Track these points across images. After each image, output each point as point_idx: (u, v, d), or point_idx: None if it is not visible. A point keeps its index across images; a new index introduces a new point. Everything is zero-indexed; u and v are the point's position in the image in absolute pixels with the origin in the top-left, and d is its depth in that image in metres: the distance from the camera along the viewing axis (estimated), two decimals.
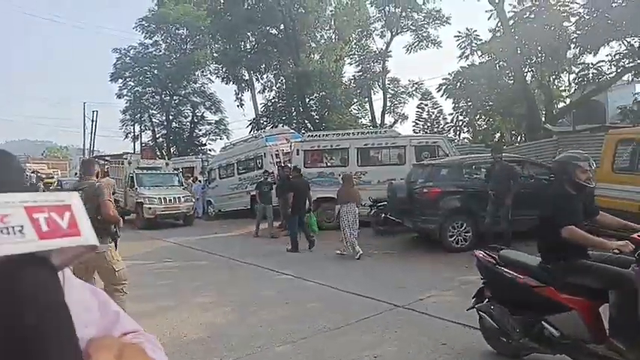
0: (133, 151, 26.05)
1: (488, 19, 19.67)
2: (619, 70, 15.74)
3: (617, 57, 15.60)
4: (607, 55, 16.47)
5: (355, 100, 28.40)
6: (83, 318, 0.50)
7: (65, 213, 0.35)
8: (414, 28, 27.43)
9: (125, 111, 34.25)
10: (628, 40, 15.02)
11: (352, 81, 28.24)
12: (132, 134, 33.88)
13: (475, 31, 20.57)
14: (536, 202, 8.11)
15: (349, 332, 4.62)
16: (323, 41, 29.72)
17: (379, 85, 27.49)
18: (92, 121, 40.77)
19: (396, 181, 10.02)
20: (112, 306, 0.65)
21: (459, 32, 20.78)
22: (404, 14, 27.09)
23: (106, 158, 29.44)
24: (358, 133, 13.44)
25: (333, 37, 29.69)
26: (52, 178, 34.32)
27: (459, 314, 4.91)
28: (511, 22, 18.29)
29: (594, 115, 19.67)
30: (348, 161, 12.21)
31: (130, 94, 33.64)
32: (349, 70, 38.39)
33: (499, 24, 18.86)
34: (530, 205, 8.39)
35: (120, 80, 33.21)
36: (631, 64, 15.43)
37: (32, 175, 32.47)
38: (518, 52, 16.96)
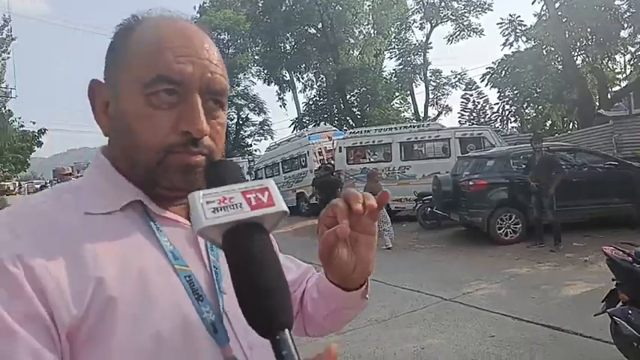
0: None
1: (533, 2, 18.94)
2: None
3: None
4: None
5: (397, 94, 28.15)
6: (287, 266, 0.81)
7: (265, 192, 0.52)
8: (454, 17, 26.85)
9: None
10: None
11: (393, 75, 27.99)
12: None
13: (519, 16, 19.75)
14: (590, 192, 7.96)
15: (397, 325, 4.71)
16: (362, 37, 29.65)
17: (421, 78, 27.13)
18: None
19: (441, 175, 9.92)
20: (299, 262, 0.92)
21: (502, 19, 20.04)
22: (443, 4, 26.58)
23: None
24: (400, 127, 13.38)
25: (372, 31, 29.55)
26: None
27: (507, 306, 4.89)
28: (557, 4, 17.53)
29: None
30: (391, 156, 12.20)
31: None
32: (390, 65, 38.16)
33: (544, 7, 18.12)
34: (582, 194, 8.14)
35: None
36: None
37: None
38: (567, 35, 16.25)
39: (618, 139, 12.05)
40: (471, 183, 8.58)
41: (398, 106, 29.02)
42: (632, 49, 16.43)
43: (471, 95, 28.62)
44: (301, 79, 29.56)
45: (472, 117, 28.18)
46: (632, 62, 16.48)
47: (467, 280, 6.14)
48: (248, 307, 0.49)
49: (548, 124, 21.72)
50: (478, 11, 26.44)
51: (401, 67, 27.69)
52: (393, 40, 29.57)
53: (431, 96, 27.20)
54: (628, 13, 14.71)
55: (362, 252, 0.69)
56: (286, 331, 0.47)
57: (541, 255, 7.24)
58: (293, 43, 28.22)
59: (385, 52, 29.49)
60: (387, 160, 12.26)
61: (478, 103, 28.08)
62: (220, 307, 0.63)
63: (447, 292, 5.60)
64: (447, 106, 27.82)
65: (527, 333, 4.20)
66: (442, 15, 26.89)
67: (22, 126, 19.24)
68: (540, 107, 20.85)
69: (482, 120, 25.95)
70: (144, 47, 0.64)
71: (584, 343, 3.88)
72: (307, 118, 27.53)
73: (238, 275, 0.49)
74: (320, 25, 26.74)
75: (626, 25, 15.13)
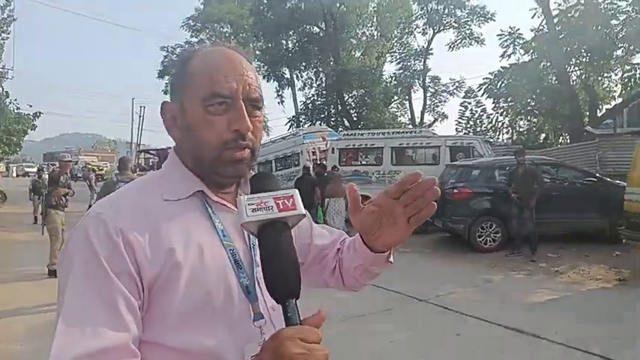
0: None
1: (532, 17, 19.29)
2: None
3: None
4: None
5: (395, 99, 28.39)
6: (321, 233, 1.09)
7: (290, 199, 0.73)
8: (456, 25, 27.09)
9: None
10: None
11: (393, 79, 28.20)
12: None
13: (518, 29, 20.07)
14: (568, 206, 8.29)
15: (371, 320, 5.02)
16: (365, 38, 29.83)
17: (419, 84, 27.38)
18: (140, 116, 42.75)
19: None
20: (332, 229, 1.15)
21: (502, 30, 20.36)
22: (446, 11, 26.83)
23: (151, 152, 30.87)
24: (393, 132, 13.71)
25: (375, 33, 29.74)
26: (102, 170, 36.42)
27: (477, 309, 5.21)
28: (556, 20, 17.89)
29: None
30: (382, 160, 12.49)
31: None
32: (389, 69, 38.41)
33: (544, 22, 18.47)
34: (561, 208, 8.48)
35: (167, 77, 34.64)
36: None
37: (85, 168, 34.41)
38: (564, 51, 16.59)
39: (602, 157, 12.43)
40: (455, 191, 8.89)
41: (395, 110, 29.27)
42: (623, 70, 16.81)
43: (469, 103, 28.94)
44: (301, 78, 29.75)
45: (469, 125, 28.50)
46: (622, 82, 16.84)
47: (443, 283, 6.46)
48: (268, 281, 0.71)
49: (541, 138, 22.06)
50: (481, 21, 26.74)
51: (401, 71, 27.93)
52: (395, 43, 29.81)
53: (428, 102, 27.49)
54: (622, 34, 15.06)
55: (397, 230, 0.88)
56: (293, 300, 0.70)
57: (516, 264, 7.59)
58: (295, 41, 28.40)
59: (387, 55, 29.73)
60: (378, 164, 12.56)
61: (476, 112, 28.40)
62: (254, 275, 0.84)
63: (422, 293, 5.91)
64: (444, 113, 28.06)
65: (491, 333, 4.53)
66: (445, 22, 27.16)
67: (19, 108, 19.26)
68: (533, 120, 21.22)
69: (478, 129, 26.29)
70: (200, 71, 0.86)
71: (540, 344, 4.21)
72: (304, 117, 27.73)
73: (265, 257, 0.71)
74: (323, 25, 26.94)
75: (620, 45, 15.48)
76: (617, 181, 8.64)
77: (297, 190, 0.72)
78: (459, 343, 4.36)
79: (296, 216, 0.72)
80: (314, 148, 14.74)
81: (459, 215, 8.75)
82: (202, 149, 0.85)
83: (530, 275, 6.87)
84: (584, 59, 16.68)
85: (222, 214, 0.87)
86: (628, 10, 15.42)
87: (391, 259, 0.98)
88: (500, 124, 21.02)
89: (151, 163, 28.22)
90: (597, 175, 9.58)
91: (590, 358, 3.86)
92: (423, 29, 28.12)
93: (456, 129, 28.08)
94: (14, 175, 48.54)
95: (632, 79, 16.13)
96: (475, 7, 26.24)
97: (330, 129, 18.18)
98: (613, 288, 6.13)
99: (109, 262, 0.73)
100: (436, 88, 27.77)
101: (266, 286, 0.71)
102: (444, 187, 9.21)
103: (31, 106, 20.73)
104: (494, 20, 26.17)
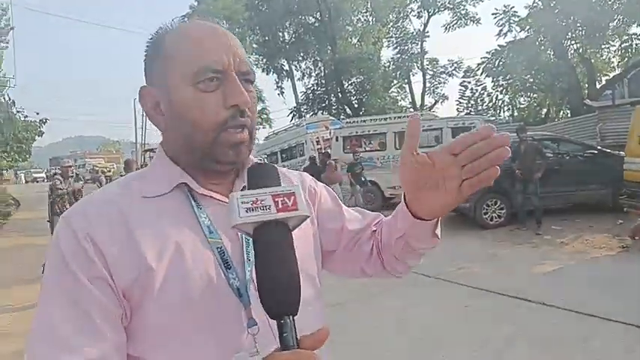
0: None
1: None
2: None
3: None
4: None
5: (394, 83, 28.49)
6: (337, 212, 0.96)
7: (291, 197, 0.60)
8: (451, 6, 27.06)
9: None
10: None
11: (391, 63, 28.27)
12: None
13: (512, 7, 20.09)
14: (570, 178, 8.47)
15: (383, 297, 5.27)
16: (360, 24, 29.84)
17: (418, 67, 27.45)
18: (142, 116, 42.93)
19: None
20: (367, 212, 1.03)
21: (497, 9, 20.38)
22: None
23: (155, 150, 31.04)
24: (395, 117, 13.89)
25: (370, 19, 29.73)
26: (110, 171, 36.81)
27: (484, 282, 5.45)
28: None
29: None
30: (386, 145, 12.70)
31: None
32: (387, 54, 38.32)
33: None
34: (563, 181, 8.67)
35: None
36: None
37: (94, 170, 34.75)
38: (560, 25, 16.63)
39: (602, 128, 12.57)
40: None
41: (395, 94, 29.38)
42: (621, 40, 16.85)
43: (469, 83, 28.92)
44: (299, 68, 29.86)
45: (470, 105, 28.52)
46: (619, 53, 16.89)
47: (452, 259, 6.67)
48: (261, 294, 0.59)
49: (543, 113, 22.13)
50: (475, 0, 26.69)
51: (398, 55, 27.98)
52: (391, 28, 29.80)
53: (428, 85, 27.59)
54: (617, 5, 15.07)
55: (445, 195, 0.73)
56: (290, 317, 0.57)
57: (522, 237, 7.82)
58: (291, 33, 28.46)
59: (383, 40, 29.75)
60: (382, 149, 12.77)
61: (476, 90, 28.39)
62: (247, 274, 0.74)
63: (431, 270, 6.14)
64: (444, 94, 28.15)
65: (498, 303, 4.77)
66: (439, 4, 27.12)
67: (27, 116, 19.59)
68: (534, 96, 21.28)
69: (479, 108, 26.34)
70: (184, 46, 0.75)
71: (546, 310, 4.45)
72: (305, 107, 27.90)
73: (260, 265, 0.59)
74: (318, 15, 26.97)
75: (615, 17, 15.50)
76: (617, 152, 8.80)
77: (299, 187, 0.63)
78: (469, 313, 4.60)
79: (297, 217, 0.61)
80: (318, 138, 14.96)
81: None
82: (195, 134, 0.75)
83: (536, 247, 7.10)
84: (580, 32, 16.71)
85: (211, 207, 0.77)
86: None
87: (438, 232, 0.85)
88: (500, 102, 21.10)
89: None
90: (598, 147, 9.73)
91: (594, 320, 4.10)
92: (418, 12, 28.15)
93: (457, 109, 28.14)
94: (23, 181, 49.19)
95: (630, 50, 16.17)
96: None
97: (332, 117, 18.37)
98: (616, 255, 6.35)
99: (80, 269, 0.68)
100: (435, 70, 27.89)
101: (260, 299, 0.60)
102: None
103: (38, 113, 21.02)
104: None
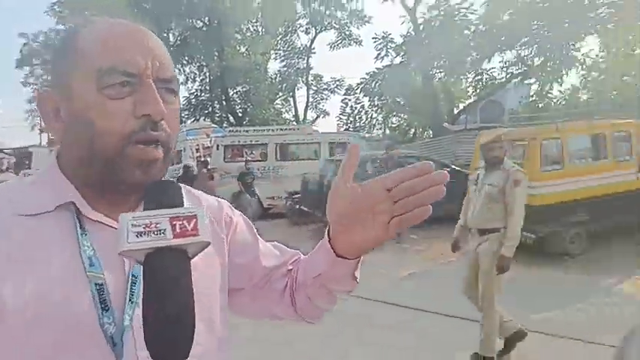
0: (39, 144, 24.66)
1: (402, 23, 21.26)
2: (508, 76, 18.03)
3: (507, 64, 17.87)
4: (499, 62, 18.72)
5: (279, 95, 29.04)
6: (245, 245, 0.87)
7: (192, 221, 0.53)
8: (337, 26, 28.53)
9: (32, 101, 32.04)
10: (516, 49, 17.14)
11: (277, 76, 28.81)
12: (39, 126, 31.77)
13: (390, 34, 22.00)
14: None
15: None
16: (249, 33, 29.91)
17: (303, 81, 28.36)
18: None
19: (309, 175, 10.90)
20: (286, 248, 0.96)
21: (376, 34, 22.12)
22: (328, 12, 28.10)
23: (5, 151, 27.17)
24: (277, 129, 14.23)
25: (260, 29, 29.98)
26: None
27: None
28: (421, 27, 19.91)
29: (494, 115, 22.00)
30: (267, 156, 12.94)
31: (37, 83, 31.50)
32: (274, 66, 38.84)
33: (411, 29, 20.45)
34: None
35: (27, 68, 31.01)
36: (518, 71, 17.68)
37: None
38: (428, 54, 18.60)
39: (457, 149, 14.37)
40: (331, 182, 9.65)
41: (280, 106, 29.95)
42: (476, 73, 19.49)
43: (349, 100, 30.69)
44: (183, 72, 28.89)
45: (349, 121, 30.27)
46: (472, 84, 19.57)
47: None
48: (147, 335, 0.52)
49: (411, 133, 24.36)
50: (359, 23, 28.49)
51: (285, 68, 28.64)
52: (280, 41, 30.38)
53: (311, 99, 28.64)
54: (472, 43, 17.37)
55: (371, 231, 0.69)
56: None
57: (382, 246, 8.49)
58: (177, 35, 27.48)
59: (272, 52, 30.18)
60: (263, 160, 12.98)
61: (355, 108, 30.23)
62: (127, 319, 0.63)
63: None
64: (325, 110, 29.48)
65: (358, 306, 5.20)
66: (326, 23, 28.44)
67: None
68: (405, 117, 23.37)
69: (357, 124, 28.07)
70: (93, 46, 0.65)
71: (403, 312, 4.96)
72: (187, 112, 27.05)
73: (146, 297, 0.52)
74: (207, 19, 26.45)
75: (471, 53, 17.84)
76: (466, 170, 10.11)
77: (204, 209, 0.55)
78: (332, 319, 4.92)
79: (197, 244, 0.54)
80: (197, 145, 14.63)
81: None
82: (97, 144, 0.64)
83: (395, 254, 7.84)
84: (444, 63, 18.87)
85: (100, 233, 0.66)
86: (477, 23, 17.83)
87: (357, 274, 0.79)
88: (375, 120, 22.82)
89: (6, 166, 25.07)
90: (452, 165, 11.07)
91: (446, 319, 4.71)
92: (306, 28, 29.15)
93: (338, 125, 29.68)
94: None
95: (481, 82, 18.81)
96: (354, 10, 27.92)
97: (214, 125, 18.11)
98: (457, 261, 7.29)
99: None
100: (318, 86, 29.03)
101: (145, 342, 0.52)
102: (323, 180, 9.97)
103: None
104: (370, 23, 28.13)
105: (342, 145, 12.80)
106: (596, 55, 17.95)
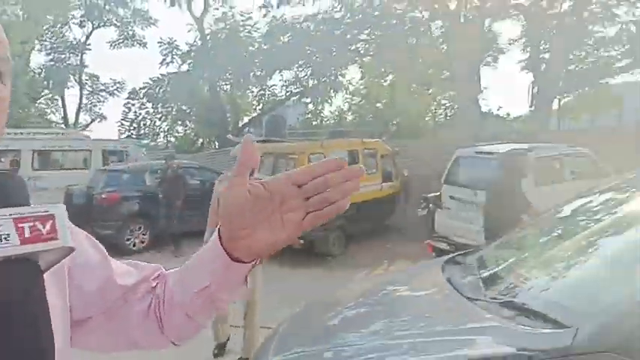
0: None
1: (189, 31, 20.94)
2: (287, 94, 19.64)
3: (287, 83, 19.46)
4: (280, 80, 20.22)
5: (44, 93, 25.13)
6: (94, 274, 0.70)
7: (48, 222, 0.43)
8: (118, 23, 26.31)
9: None
10: (294, 70, 18.79)
11: (42, 70, 24.91)
12: None
13: (175, 40, 21.37)
14: (207, 204, 9.50)
15: None
16: (6, 17, 25.06)
17: (75, 80, 25.18)
18: None
19: (75, 187, 9.67)
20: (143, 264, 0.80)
21: (162, 39, 21.19)
22: (107, 7, 25.69)
23: None
24: (35, 133, 12.19)
25: (21, 14, 25.42)
26: None
27: None
28: (208, 37, 19.99)
29: (278, 128, 23.54)
30: (20, 164, 10.95)
31: None
32: (39, 59, 33.24)
33: (198, 38, 20.32)
34: (202, 206, 9.62)
35: None
36: (297, 90, 19.41)
37: None
38: (214, 65, 18.76)
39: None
40: (103, 196, 8.82)
41: (45, 107, 25.93)
42: (261, 87, 20.59)
43: (133, 105, 28.56)
44: None
45: (132, 127, 28.14)
46: (256, 99, 20.66)
47: None
48: None
49: (199, 143, 24.07)
50: (144, 24, 26.79)
51: (52, 63, 24.97)
52: (46, 31, 26.34)
53: (85, 101, 25.64)
54: (256, 60, 18.30)
55: (278, 231, 0.61)
56: None
57: (163, 259, 8.17)
58: None
59: (35, 42, 25.90)
60: (16, 168, 10.93)
61: (140, 114, 28.31)
62: None
63: None
64: (102, 114, 26.76)
65: None
66: (105, 19, 25.94)
67: None
68: (192, 126, 23.00)
69: (141, 131, 26.34)
70: None
71: None
72: None
73: None
74: None
75: (255, 69, 18.77)
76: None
77: (63, 207, 0.46)
78: None
79: (57, 250, 0.44)
80: None
81: (107, 220, 8.72)
82: None
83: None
84: (229, 76, 19.32)
85: None
86: (260, 41, 18.88)
87: (248, 278, 0.69)
88: (159, 128, 21.84)
89: None
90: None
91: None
92: (80, 21, 26.02)
93: (119, 131, 27.32)
94: None
95: (264, 96, 19.94)
96: (138, 9, 26.19)
97: None
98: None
99: None
100: (94, 86, 26.23)
101: None
102: (92, 193, 8.98)
103: None
104: (156, 26, 26.80)
105: (120, 154, 11.77)
106: (357, 83, 21.12)
